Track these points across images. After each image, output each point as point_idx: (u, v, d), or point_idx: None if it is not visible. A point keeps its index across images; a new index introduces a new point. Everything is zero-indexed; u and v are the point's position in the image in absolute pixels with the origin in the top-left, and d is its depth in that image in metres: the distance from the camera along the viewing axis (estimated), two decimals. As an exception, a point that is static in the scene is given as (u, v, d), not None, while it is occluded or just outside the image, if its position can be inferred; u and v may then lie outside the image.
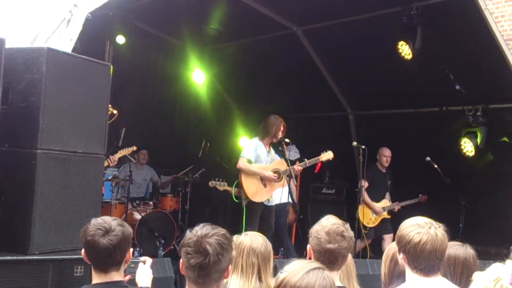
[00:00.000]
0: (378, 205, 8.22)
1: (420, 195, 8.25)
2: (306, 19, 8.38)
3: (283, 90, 9.58)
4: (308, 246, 2.99)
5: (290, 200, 7.54)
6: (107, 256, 2.76)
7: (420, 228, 2.69)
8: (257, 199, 7.01)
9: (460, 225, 7.62)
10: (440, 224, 2.75)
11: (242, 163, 7.02)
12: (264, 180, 7.04)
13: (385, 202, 8.28)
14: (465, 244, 3.23)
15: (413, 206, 8.08)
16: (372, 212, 8.22)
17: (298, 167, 7.15)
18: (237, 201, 7.61)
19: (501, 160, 7.78)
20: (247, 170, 6.98)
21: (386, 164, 8.25)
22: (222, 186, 7.93)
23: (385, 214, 8.20)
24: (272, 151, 7.30)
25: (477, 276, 1.97)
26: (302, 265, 2.09)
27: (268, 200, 7.15)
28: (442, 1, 7.03)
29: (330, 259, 2.86)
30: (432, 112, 8.39)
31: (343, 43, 8.28)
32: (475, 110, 7.73)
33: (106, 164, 6.81)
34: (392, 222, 8.14)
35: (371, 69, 8.21)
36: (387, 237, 8.17)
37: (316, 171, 9.31)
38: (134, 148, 7.87)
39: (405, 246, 2.71)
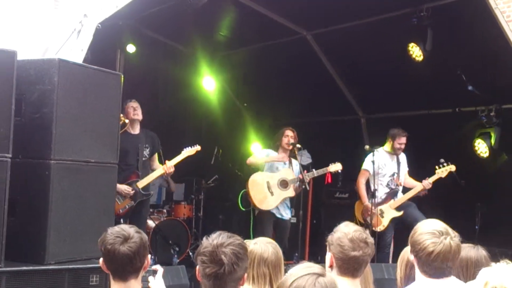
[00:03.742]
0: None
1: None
2: (315, 23, 8.38)
3: (294, 95, 9.56)
4: (329, 255, 2.87)
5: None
6: (128, 264, 2.77)
7: (436, 238, 2.65)
8: (264, 206, 7.00)
9: (476, 227, 7.54)
10: (456, 234, 2.71)
11: (250, 158, 7.26)
12: (271, 188, 7.03)
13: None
14: (477, 246, 3.20)
15: (427, 208, 7.96)
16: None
17: (306, 176, 7.14)
18: (243, 209, 7.59)
19: (516, 160, 7.71)
20: (257, 159, 7.17)
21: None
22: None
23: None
24: (295, 166, 7.29)
25: (482, 274, 1.96)
26: (301, 269, 2.04)
27: (281, 213, 7.14)
28: (451, 1, 7.00)
29: (354, 266, 2.79)
30: (445, 114, 8.32)
31: (353, 46, 8.26)
32: (488, 111, 7.65)
33: (162, 171, 6.74)
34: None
35: (382, 72, 8.16)
36: None
37: (326, 182, 9.33)
38: (198, 148, 6.98)
39: (417, 251, 2.70)
